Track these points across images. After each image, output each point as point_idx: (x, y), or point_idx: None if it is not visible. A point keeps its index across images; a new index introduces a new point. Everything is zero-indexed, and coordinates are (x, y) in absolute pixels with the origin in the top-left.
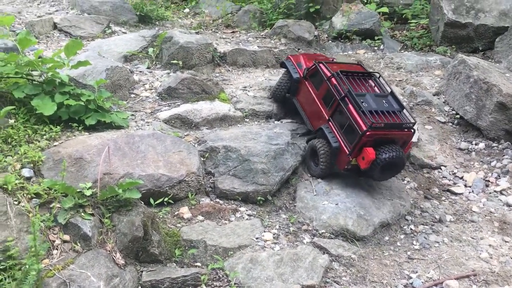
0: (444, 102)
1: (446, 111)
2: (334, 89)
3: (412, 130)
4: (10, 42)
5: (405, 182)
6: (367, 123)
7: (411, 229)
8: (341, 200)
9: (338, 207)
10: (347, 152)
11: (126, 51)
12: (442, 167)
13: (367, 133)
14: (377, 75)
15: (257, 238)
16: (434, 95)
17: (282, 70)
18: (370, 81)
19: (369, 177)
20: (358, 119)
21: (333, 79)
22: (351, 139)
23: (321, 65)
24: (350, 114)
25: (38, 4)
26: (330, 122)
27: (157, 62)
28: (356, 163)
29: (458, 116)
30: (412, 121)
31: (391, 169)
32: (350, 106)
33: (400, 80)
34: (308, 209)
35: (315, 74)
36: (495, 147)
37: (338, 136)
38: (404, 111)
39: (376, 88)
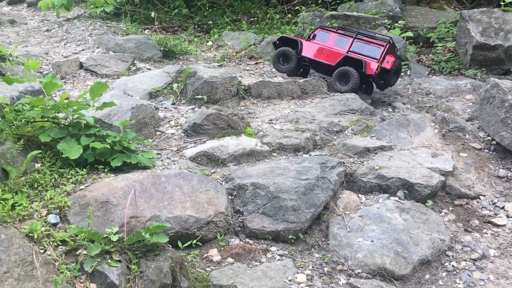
0: (478, 128)
1: (481, 137)
2: (344, 34)
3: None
4: (36, 85)
5: (442, 214)
6: (386, 39)
7: (453, 266)
8: (377, 237)
9: (374, 244)
10: (376, 61)
11: (151, 88)
12: (480, 197)
13: (388, 44)
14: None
15: (290, 281)
16: (467, 120)
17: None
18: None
19: (386, 85)
20: (377, 41)
21: (339, 30)
22: (373, 54)
23: (322, 27)
24: (368, 40)
25: (64, 44)
26: (349, 53)
27: (181, 98)
28: (380, 70)
29: (494, 142)
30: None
31: (396, 74)
32: (364, 37)
33: (430, 106)
34: (342, 247)
35: (319, 34)
36: None
37: (360, 56)
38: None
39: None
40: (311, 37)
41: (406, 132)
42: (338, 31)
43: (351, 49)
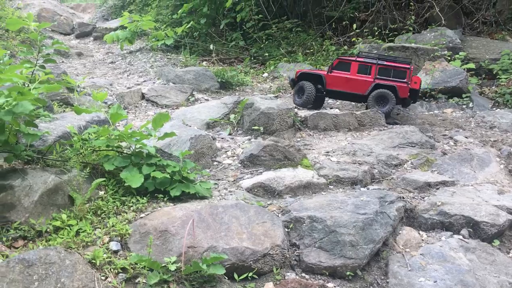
0: None
1: None
2: (365, 62)
3: None
4: (102, 114)
5: (511, 255)
6: (408, 61)
7: None
8: (440, 277)
9: (437, 285)
10: (406, 83)
11: (209, 118)
12: None
13: (412, 67)
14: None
15: None
16: None
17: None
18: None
19: (413, 101)
20: (398, 64)
21: (358, 58)
22: (400, 77)
23: (340, 58)
24: (391, 64)
25: (127, 76)
26: (376, 80)
27: (238, 128)
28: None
29: None
30: None
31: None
32: (385, 61)
33: (495, 141)
34: (403, 286)
35: (338, 64)
36: None
37: (390, 81)
38: None
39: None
40: (331, 69)
41: (470, 167)
42: (358, 59)
43: (377, 76)
